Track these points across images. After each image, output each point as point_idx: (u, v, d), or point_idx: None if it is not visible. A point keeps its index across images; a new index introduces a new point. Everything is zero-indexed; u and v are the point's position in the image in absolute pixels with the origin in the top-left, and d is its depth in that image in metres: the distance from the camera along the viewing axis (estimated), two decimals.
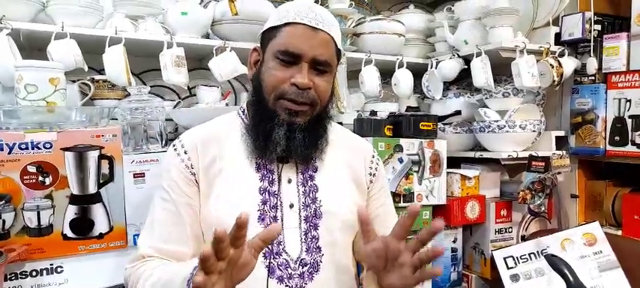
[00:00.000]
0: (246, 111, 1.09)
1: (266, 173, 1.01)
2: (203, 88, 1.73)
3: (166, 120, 1.54)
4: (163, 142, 1.47)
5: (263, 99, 1.00)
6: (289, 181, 1.02)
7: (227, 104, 1.78)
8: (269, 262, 0.96)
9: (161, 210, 1.01)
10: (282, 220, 0.99)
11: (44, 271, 1.22)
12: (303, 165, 1.04)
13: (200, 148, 1.02)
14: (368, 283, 0.91)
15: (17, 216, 1.18)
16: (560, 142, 1.97)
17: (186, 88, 1.75)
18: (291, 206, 1.01)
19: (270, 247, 0.96)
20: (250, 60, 1.06)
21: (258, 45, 1.05)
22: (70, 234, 1.23)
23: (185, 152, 1.02)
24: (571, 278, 1.27)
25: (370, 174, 1.13)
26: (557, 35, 1.94)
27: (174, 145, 1.05)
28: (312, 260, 0.99)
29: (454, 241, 1.83)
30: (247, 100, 1.10)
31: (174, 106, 1.71)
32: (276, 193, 1.00)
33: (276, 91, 0.97)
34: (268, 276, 0.95)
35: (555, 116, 2.05)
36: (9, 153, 1.16)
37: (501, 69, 1.91)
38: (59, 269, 1.23)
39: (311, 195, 1.02)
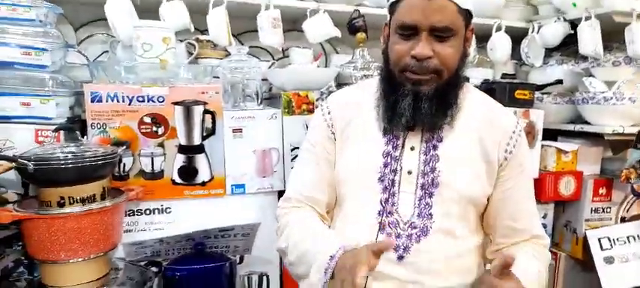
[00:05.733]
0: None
1: (392, 138, 1.06)
2: (296, 49, 1.79)
3: (261, 80, 1.62)
4: (259, 100, 1.55)
5: (390, 72, 1.05)
6: (412, 148, 1.06)
7: (318, 66, 1.83)
8: (381, 219, 1.04)
9: (306, 161, 1.14)
10: (399, 184, 1.05)
11: (156, 211, 1.38)
12: (428, 133, 1.06)
13: (341, 111, 1.11)
14: None
15: (135, 161, 1.34)
16: None
17: (280, 49, 1.82)
18: (410, 172, 1.05)
19: (384, 205, 1.04)
20: (383, 34, 1.10)
21: (388, 20, 1.07)
22: (178, 180, 1.38)
23: (329, 113, 1.12)
24: None
25: (506, 151, 1.07)
26: None
27: (321, 107, 1.15)
28: (421, 225, 1.03)
29: (544, 217, 1.77)
30: (380, 72, 1.13)
31: (269, 67, 1.80)
32: (398, 158, 1.05)
33: (399, 65, 1.01)
34: (379, 230, 1.03)
35: None
36: (129, 104, 1.31)
37: (613, 35, 1.76)
38: (168, 210, 1.39)
39: (430, 164, 1.04)
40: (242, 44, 1.85)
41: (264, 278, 1.51)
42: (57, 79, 1.30)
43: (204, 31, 1.67)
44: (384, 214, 1.04)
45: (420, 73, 0.98)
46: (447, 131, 1.05)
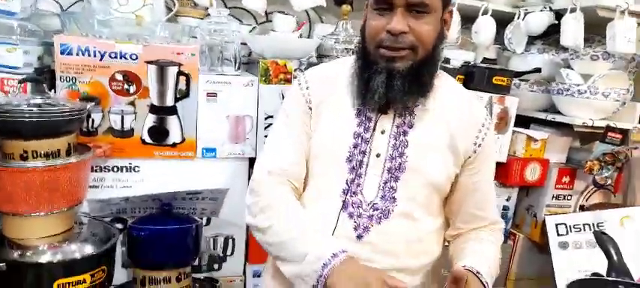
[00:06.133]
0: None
1: (364, 120, 1.07)
2: (279, 15, 1.76)
3: (241, 44, 1.60)
4: (237, 65, 1.54)
5: (365, 50, 1.04)
6: (383, 132, 1.06)
7: (301, 35, 1.80)
8: (345, 198, 1.05)
9: (285, 134, 1.12)
10: (366, 166, 1.06)
11: (124, 169, 1.38)
12: (400, 118, 1.06)
13: (318, 85, 1.11)
14: None
15: (104, 117, 1.32)
16: None
17: (263, 13, 1.79)
18: (378, 155, 1.06)
19: (349, 185, 1.05)
20: (364, 15, 1.08)
21: None
22: (147, 139, 1.37)
23: (307, 88, 1.11)
24: (615, 258, 1.23)
25: (475, 144, 1.08)
26: None
27: (299, 80, 1.14)
28: (384, 207, 1.05)
29: (507, 200, 1.82)
30: (356, 51, 1.12)
31: (250, 31, 1.77)
32: (368, 140, 1.06)
33: (375, 41, 1.00)
34: (341, 209, 1.05)
35: None
36: (100, 60, 1.29)
37: (594, 29, 1.77)
38: (136, 169, 1.39)
39: (399, 149, 1.05)
40: (224, 4, 1.82)
41: (230, 241, 1.54)
42: (25, 27, 1.27)
43: None
44: (349, 194, 1.05)
45: (394, 48, 0.98)
46: (419, 117, 1.06)
